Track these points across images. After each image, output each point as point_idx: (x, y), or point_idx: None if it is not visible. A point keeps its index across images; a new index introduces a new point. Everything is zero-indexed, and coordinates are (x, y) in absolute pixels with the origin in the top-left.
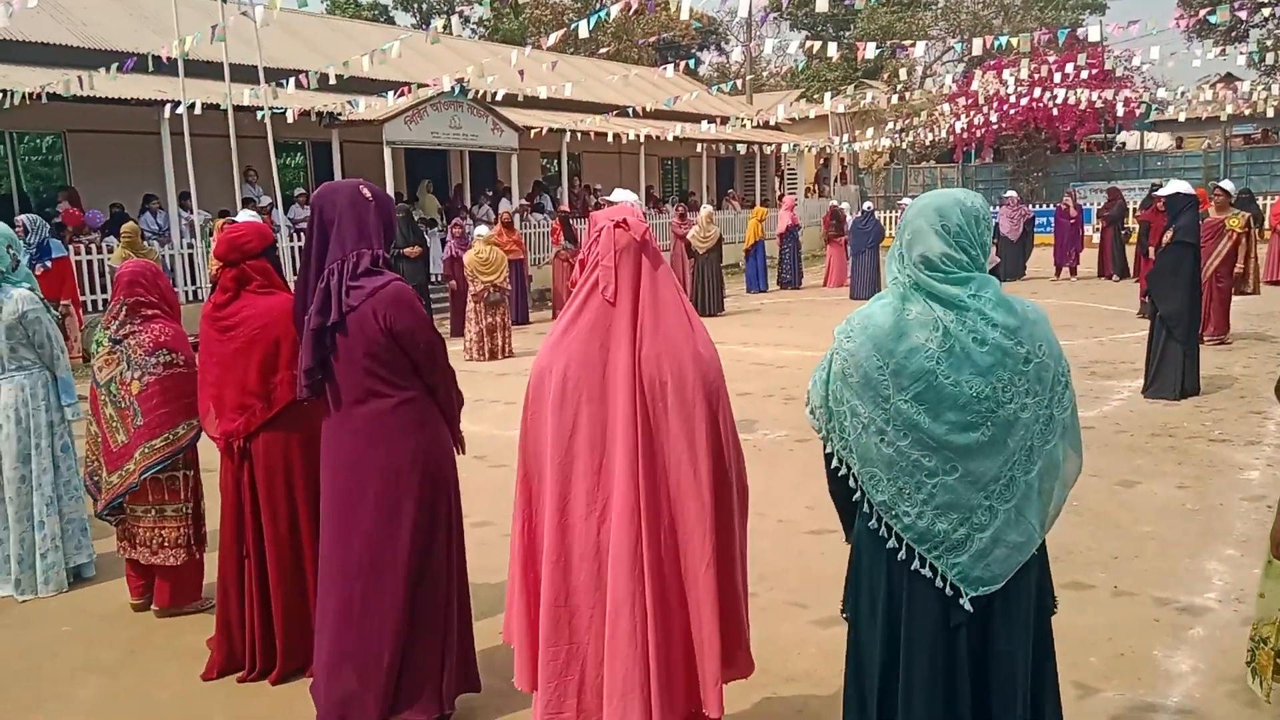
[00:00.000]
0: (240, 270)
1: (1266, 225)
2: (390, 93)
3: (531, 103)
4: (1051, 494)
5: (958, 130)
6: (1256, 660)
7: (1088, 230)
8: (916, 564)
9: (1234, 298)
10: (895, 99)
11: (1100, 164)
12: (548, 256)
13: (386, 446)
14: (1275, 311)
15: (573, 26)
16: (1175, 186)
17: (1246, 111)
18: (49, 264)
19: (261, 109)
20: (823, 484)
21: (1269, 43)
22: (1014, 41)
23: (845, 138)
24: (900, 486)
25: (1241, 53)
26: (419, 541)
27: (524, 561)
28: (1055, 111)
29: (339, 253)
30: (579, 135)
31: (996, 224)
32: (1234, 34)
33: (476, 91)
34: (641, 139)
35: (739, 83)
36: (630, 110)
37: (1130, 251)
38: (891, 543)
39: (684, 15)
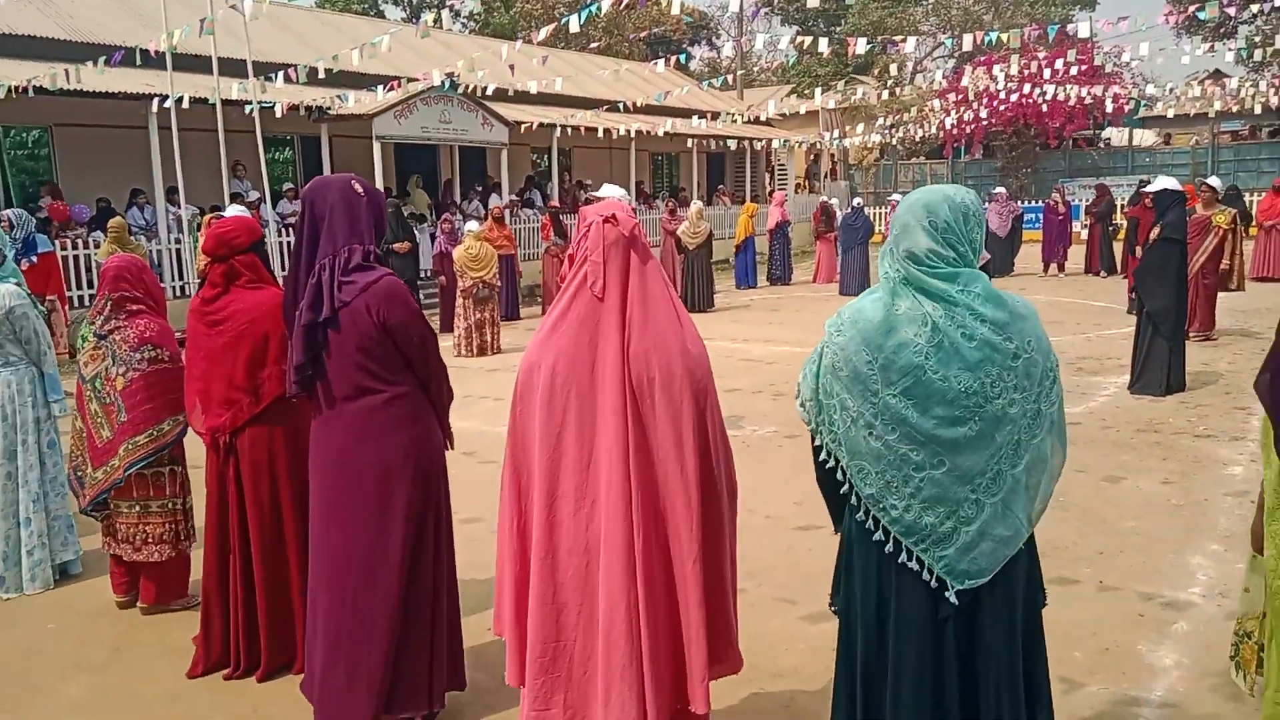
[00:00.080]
0: (229, 265)
1: (1253, 221)
2: (380, 87)
3: (522, 98)
4: (1038, 488)
5: (948, 126)
6: (1240, 654)
7: (1076, 226)
8: (904, 557)
9: (1219, 294)
10: (886, 94)
11: (1088, 160)
12: (538, 252)
13: (378, 442)
14: (1260, 308)
15: (563, 21)
16: (1163, 183)
17: (1234, 108)
18: (35, 259)
19: (250, 103)
20: (811, 480)
21: (1257, 39)
22: (1004, 37)
23: (836, 133)
24: (888, 480)
25: (1230, 49)
26: (410, 538)
27: (513, 557)
28: (1045, 108)
29: (330, 248)
30: (569, 130)
31: (985, 220)
32: (1222, 31)
33: (466, 86)
34: (632, 134)
35: (730, 78)
36: (621, 105)
37: (1118, 248)
38: (879, 536)
39: (675, 10)
